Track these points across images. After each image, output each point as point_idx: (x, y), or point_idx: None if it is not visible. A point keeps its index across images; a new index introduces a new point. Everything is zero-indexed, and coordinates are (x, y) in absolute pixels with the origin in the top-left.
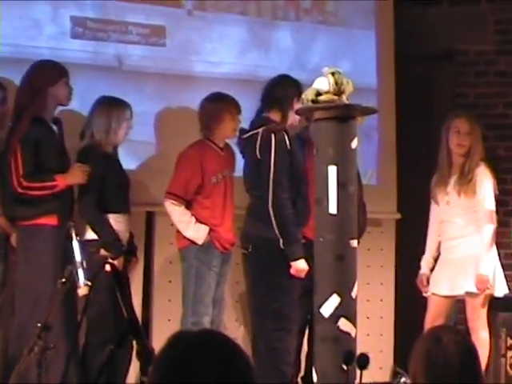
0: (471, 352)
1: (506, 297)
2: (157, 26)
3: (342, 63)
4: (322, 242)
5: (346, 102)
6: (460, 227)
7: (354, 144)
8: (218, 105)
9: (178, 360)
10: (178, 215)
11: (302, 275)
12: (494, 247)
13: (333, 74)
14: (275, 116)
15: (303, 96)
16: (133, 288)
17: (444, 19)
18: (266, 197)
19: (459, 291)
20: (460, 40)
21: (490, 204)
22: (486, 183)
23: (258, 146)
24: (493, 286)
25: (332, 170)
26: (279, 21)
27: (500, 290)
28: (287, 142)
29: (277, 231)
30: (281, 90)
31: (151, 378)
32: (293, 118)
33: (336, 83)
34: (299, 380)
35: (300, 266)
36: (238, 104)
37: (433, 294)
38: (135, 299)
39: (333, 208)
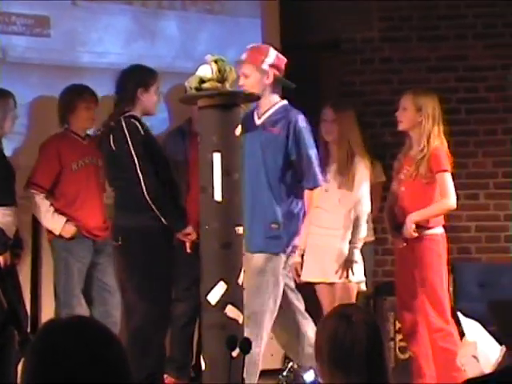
0: (379, 333)
1: (393, 281)
2: (41, 16)
3: (228, 52)
4: (208, 229)
5: (230, 89)
6: (332, 217)
7: (238, 131)
8: (72, 95)
9: (49, 345)
10: (37, 204)
11: (193, 237)
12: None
13: (216, 61)
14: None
15: (186, 84)
16: (21, 281)
17: (330, 7)
18: (128, 187)
19: (330, 278)
20: (346, 28)
21: (366, 205)
22: (364, 182)
23: (111, 140)
24: (354, 275)
25: (216, 157)
26: (165, 10)
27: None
28: (140, 129)
29: (158, 213)
30: (125, 81)
31: (25, 364)
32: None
33: (219, 70)
34: (190, 369)
35: (187, 231)
36: (93, 93)
37: (307, 282)
38: (23, 292)
39: (218, 195)
